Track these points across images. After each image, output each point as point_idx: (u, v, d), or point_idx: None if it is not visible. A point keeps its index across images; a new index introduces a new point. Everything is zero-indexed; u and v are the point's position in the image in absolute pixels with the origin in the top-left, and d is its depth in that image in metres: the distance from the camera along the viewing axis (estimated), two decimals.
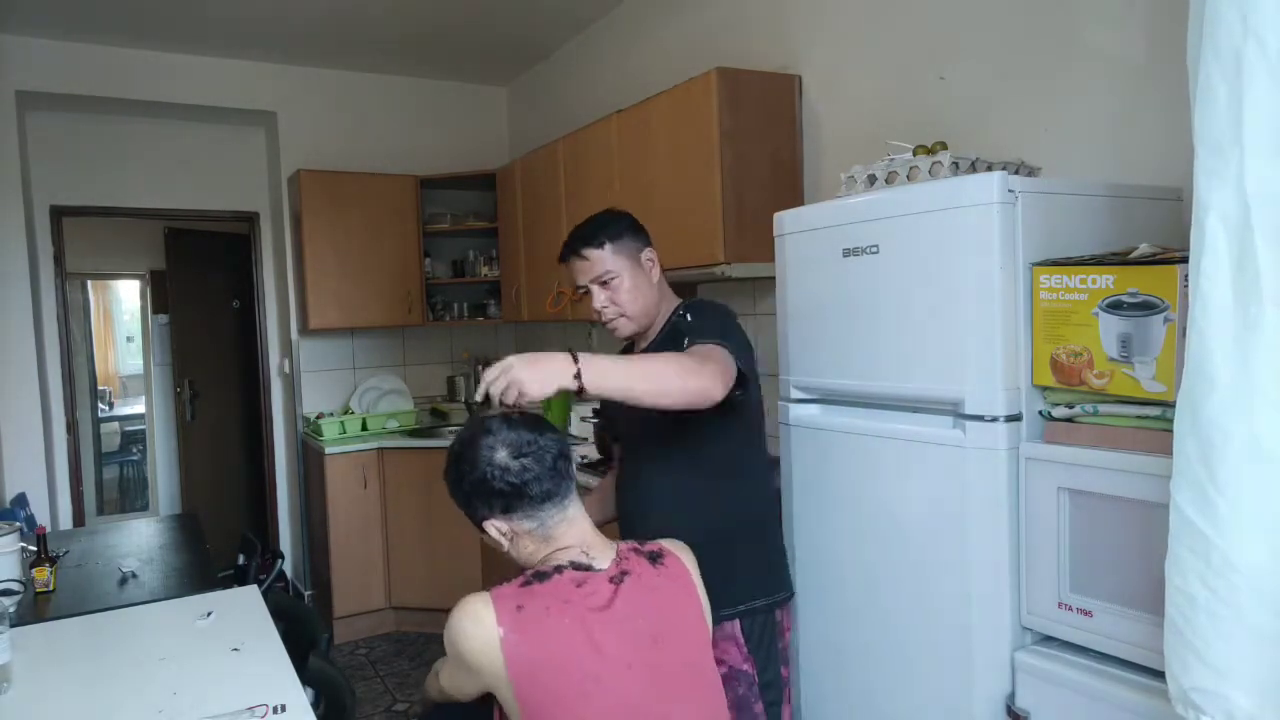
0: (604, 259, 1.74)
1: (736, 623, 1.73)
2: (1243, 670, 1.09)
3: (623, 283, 1.75)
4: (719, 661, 1.53)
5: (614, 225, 1.78)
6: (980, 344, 1.57)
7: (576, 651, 1.25)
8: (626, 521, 1.89)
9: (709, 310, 1.76)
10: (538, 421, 1.42)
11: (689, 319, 1.73)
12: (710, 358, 1.51)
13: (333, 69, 4.57)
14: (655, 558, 1.41)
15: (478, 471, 1.35)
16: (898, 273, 1.71)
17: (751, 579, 1.77)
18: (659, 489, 1.80)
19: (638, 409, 1.47)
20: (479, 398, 1.36)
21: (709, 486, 1.77)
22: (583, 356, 1.36)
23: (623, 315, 1.77)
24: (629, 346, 1.93)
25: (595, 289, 1.76)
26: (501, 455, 1.34)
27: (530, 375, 1.32)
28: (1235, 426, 1.07)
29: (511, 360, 1.34)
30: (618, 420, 1.99)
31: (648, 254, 1.80)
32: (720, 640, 1.69)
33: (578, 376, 1.33)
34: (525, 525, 1.37)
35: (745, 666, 1.73)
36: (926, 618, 1.69)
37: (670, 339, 1.75)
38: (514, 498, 1.34)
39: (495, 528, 1.38)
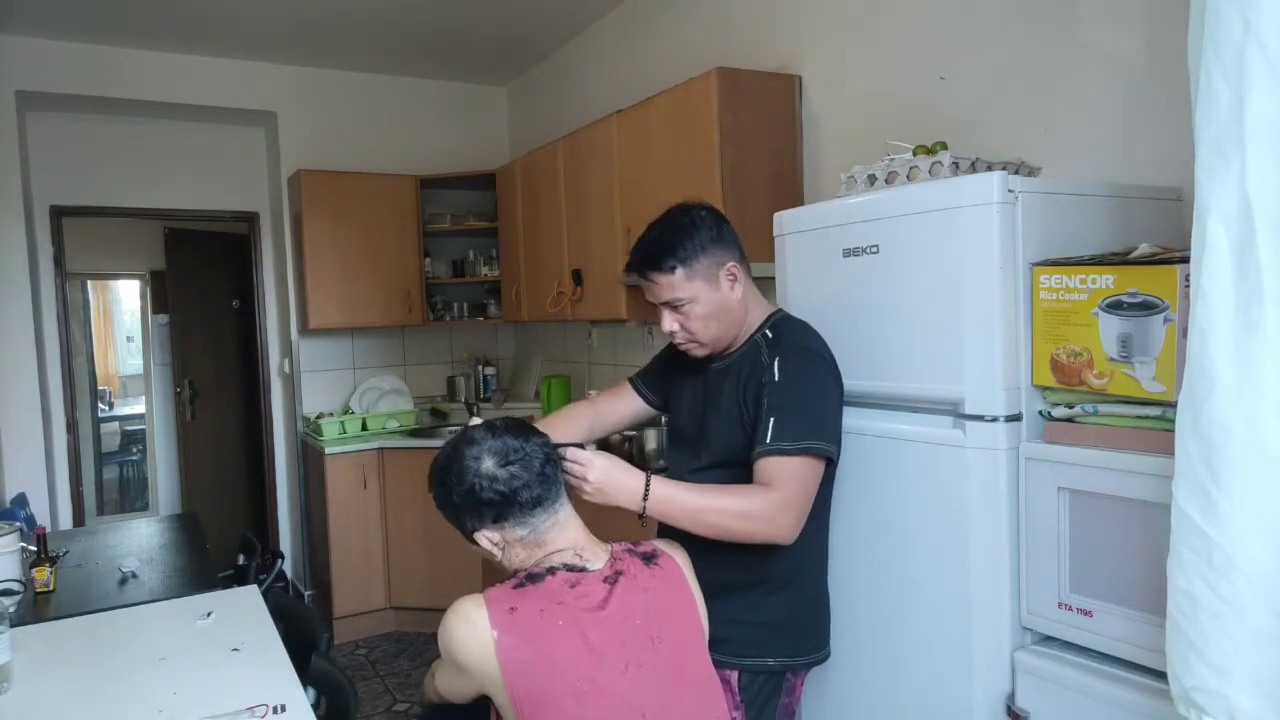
0: (674, 285, 1.54)
1: (735, 673, 1.57)
2: (1245, 670, 1.09)
3: (696, 309, 1.55)
4: None
5: (690, 242, 1.54)
6: (980, 344, 1.57)
7: (571, 653, 1.25)
8: None
9: (804, 372, 1.53)
10: (523, 427, 1.42)
11: (777, 378, 1.51)
12: (789, 505, 1.44)
13: (333, 69, 4.57)
14: (649, 558, 1.41)
15: (465, 483, 1.33)
16: (898, 273, 1.71)
17: (770, 632, 1.59)
18: None
19: (706, 426, 1.60)
20: (569, 455, 1.43)
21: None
22: (654, 487, 1.42)
23: (694, 341, 1.60)
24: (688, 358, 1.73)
25: (665, 311, 1.58)
26: (488, 464, 1.33)
27: (600, 492, 1.40)
28: (1237, 426, 1.07)
29: (597, 464, 1.40)
30: (678, 421, 1.80)
31: (730, 268, 1.58)
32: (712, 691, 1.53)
33: (644, 499, 1.42)
34: (517, 533, 1.36)
35: (734, 715, 1.56)
36: (926, 618, 1.69)
37: (749, 373, 1.58)
38: (504, 506, 1.33)
39: (487, 538, 1.37)
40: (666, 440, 1.70)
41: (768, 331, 1.63)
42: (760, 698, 1.60)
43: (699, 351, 1.64)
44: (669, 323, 1.59)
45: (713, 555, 1.51)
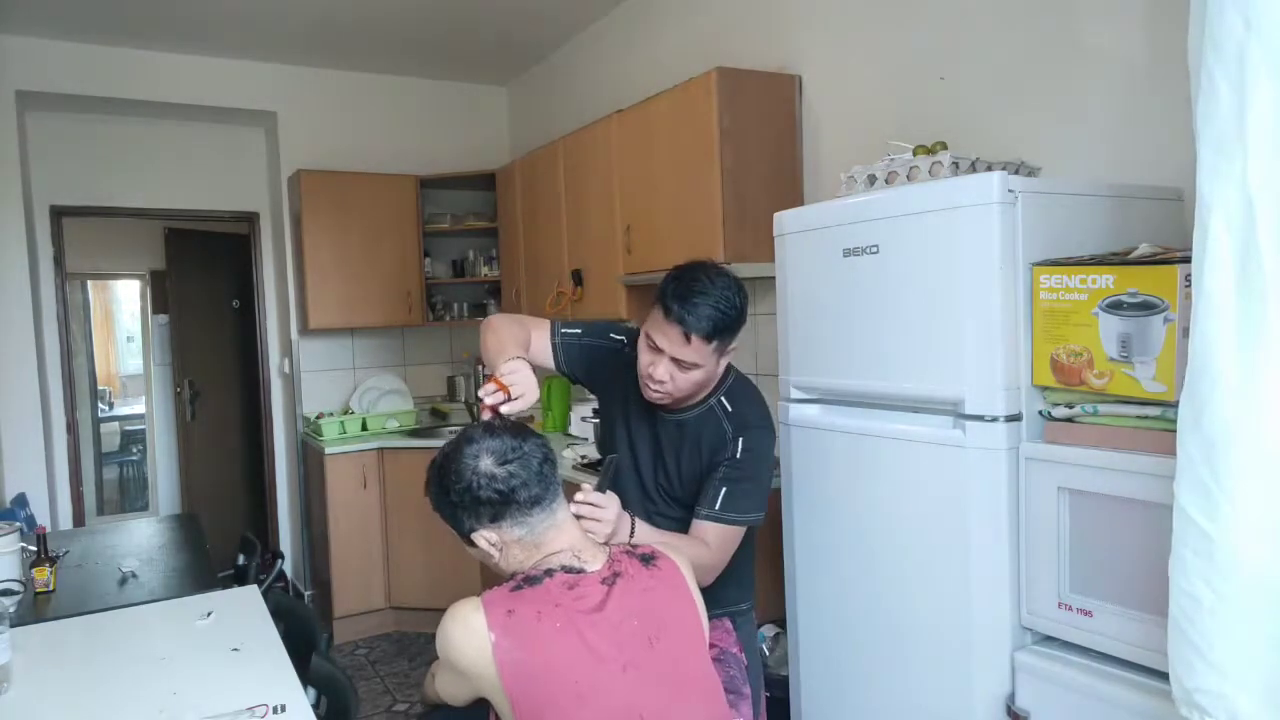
0: (703, 354, 1.58)
1: (727, 619, 1.78)
2: (1247, 671, 1.09)
3: (697, 374, 1.61)
4: (710, 645, 1.54)
5: (735, 319, 1.60)
6: (980, 344, 1.57)
7: (570, 655, 1.25)
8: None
9: (760, 457, 1.67)
10: (520, 428, 1.42)
11: (738, 457, 1.65)
12: (717, 566, 1.66)
13: (333, 69, 4.57)
14: (648, 560, 1.40)
15: (463, 481, 1.33)
16: (898, 273, 1.71)
17: (734, 588, 1.79)
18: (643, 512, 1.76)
19: (670, 472, 1.73)
20: (599, 488, 1.52)
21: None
22: (639, 527, 1.58)
23: (669, 395, 1.65)
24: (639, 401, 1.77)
25: (665, 361, 1.60)
26: (487, 463, 1.33)
27: (604, 532, 1.48)
28: (1239, 426, 1.07)
29: (612, 514, 1.49)
30: (631, 454, 1.82)
31: (735, 348, 1.67)
32: (713, 630, 1.70)
33: (630, 538, 1.55)
34: (515, 533, 1.35)
35: (735, 650, 1.76)
36: (926, 618, 1.69)
37: (708, 439, 1.69)
38: (502, 505, 1.33)
39: (485, 538, 1.37)
40: (613, 465, 1.71)
41: (725, 401, 1.72)
42: (747, 635, 1.82)
43: (663, 401, 1.68)
44: (663, 372, 1.60)
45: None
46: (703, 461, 1.70)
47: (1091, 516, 1.48)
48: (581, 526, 1.45)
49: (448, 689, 1.36)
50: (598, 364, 1.83)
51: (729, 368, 1.75)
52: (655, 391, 1.65)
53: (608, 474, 1.58)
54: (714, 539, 1.64)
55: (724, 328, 1.58)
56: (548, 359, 1.81)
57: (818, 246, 1.90)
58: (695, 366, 1.59)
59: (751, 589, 1.86)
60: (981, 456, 1.58)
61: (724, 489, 1.65)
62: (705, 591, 1.49)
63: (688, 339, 1.56)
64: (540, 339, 1.81)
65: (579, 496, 1.48)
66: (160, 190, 4.50)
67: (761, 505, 1.69)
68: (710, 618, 1.49)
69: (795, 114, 2.82)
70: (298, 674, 1.66)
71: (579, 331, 1.84)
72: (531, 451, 1.36)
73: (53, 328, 4.29)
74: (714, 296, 1.57)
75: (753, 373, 2.88)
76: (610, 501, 1.50)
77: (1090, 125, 1.98)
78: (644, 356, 1.64)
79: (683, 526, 1.70)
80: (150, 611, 2.09)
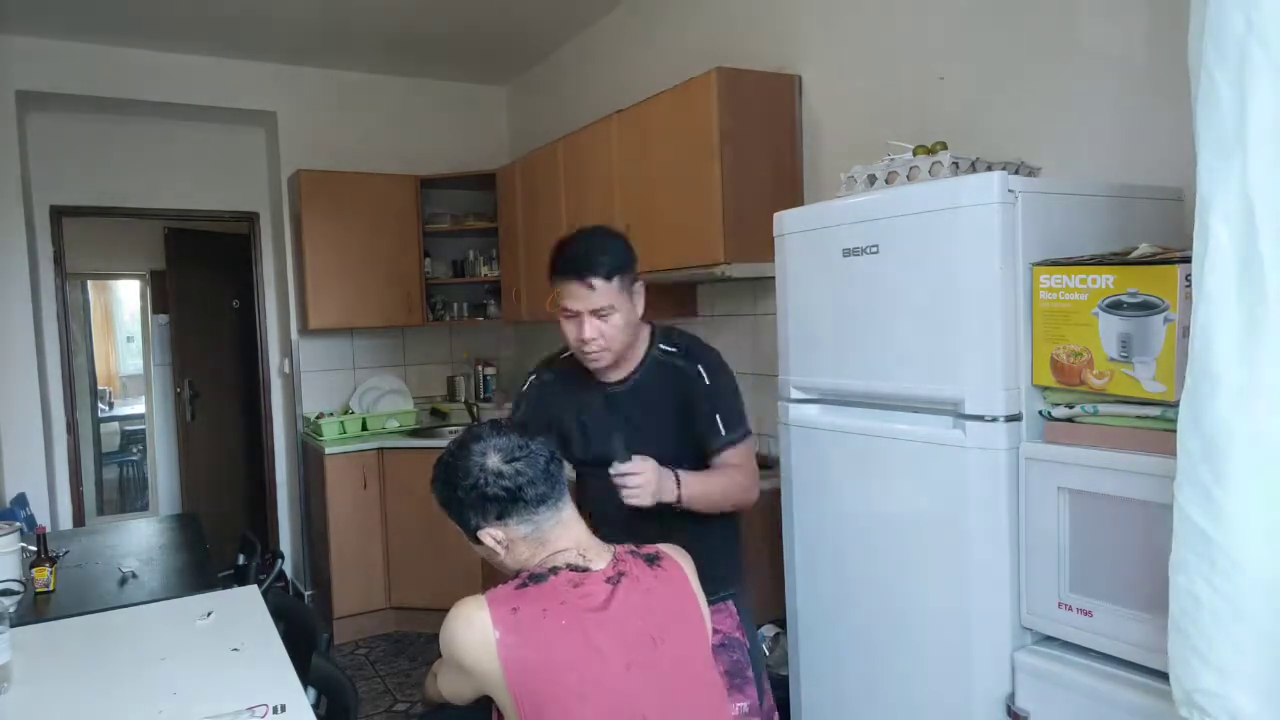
0: (609, 292, 1.66)
1: (729, 602, 1.80)
2: (1247, 672, 1.09)
3: (615, 318, 1.68)
4: (714, 631, 1.56)
5: (622, 255, 1.70)
6: (980, 344, 1.57)
7: (574, 653, 1.25)
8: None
9: (727, 378, 1.77)
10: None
11: (708, 383, 1.73)
12: (757, 476, 1.78)
13: (333, 69, 4.56)
14: (652, 560, 1.41)
15: (470, 478, 1.34)
16: (898, 273, 1.71)
17: (737, 561, 1.86)
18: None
19: (628, 421, 1.75)
20: (616, 471, 1.56)
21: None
22: (683, 478, 1.63)
23: (607, 350, 1.71)
24: (584, 373, 1.80)
25: (588, 319, 1.68)
26: (494, 461, 1.34)
27: (649, 492, 1.56)
28: (1239, 427, 1.07)
29: (650, 473, 1.56)
30: (585, 448, 1.82)
31: (639, 285, 1.74)
32: (715, 615, 1.69)
33: (679, 487, 1.62)
34: (521, 530, 1.36)
35: (738, 634, 1.78)
36: (926, 617, 1.69)
37: (670, 384, 1.75)
38: (509, 503, 1.34)
39: (491, 536, 1.37)
40: (575, 471, 1.78)
41: (664, 347, 1.79)
42: (744, 611, 1.84)
43: (605, 360, 1.73)
44: (590, 329, 1.68)
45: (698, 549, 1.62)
46: (674, 409, 1.75)
47: (1091, 516, 1.48)
48: (626, 499, 1.53)
49: (451, 687, 1.36)
50: (539, 413, 1.86)
51: (651, 326, 1.83)
52: (594, 354, 1.71)
53: (618, 444, 1.61)
54: (741, 458, 1.74)
55: (615, 263, 1.67)
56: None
57: (818, 246, 1.90)
58: (611, 310, 1.67)
59: (741, 566, 1.89)
60: (981, 456, 1.58)
61: (718, 415, 1.72)
62: (706, 572, 1.48)
63: (590, 285, 1.65)
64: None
65: (613, 472, 1.55)
66: (160, 190, 4.50)
67: (747, 422, 1.79)
68: (712, 602, 1.51)
69: (795, 114, 2.82)
70: (298, 674, 1.66)
71: (518, 420, 1.81)
72: (539, 450, 1.37)
73: (53, 328, 4.29)
74: (593, 243, 1.70)
75: (753, 373, 2.88)
76: (643, 463, 1.57)
77: (1090, 125, 1.98)
78: (568, 330, 1.72)
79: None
80: (150, 611, 2.09)
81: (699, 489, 1.66)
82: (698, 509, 1.68)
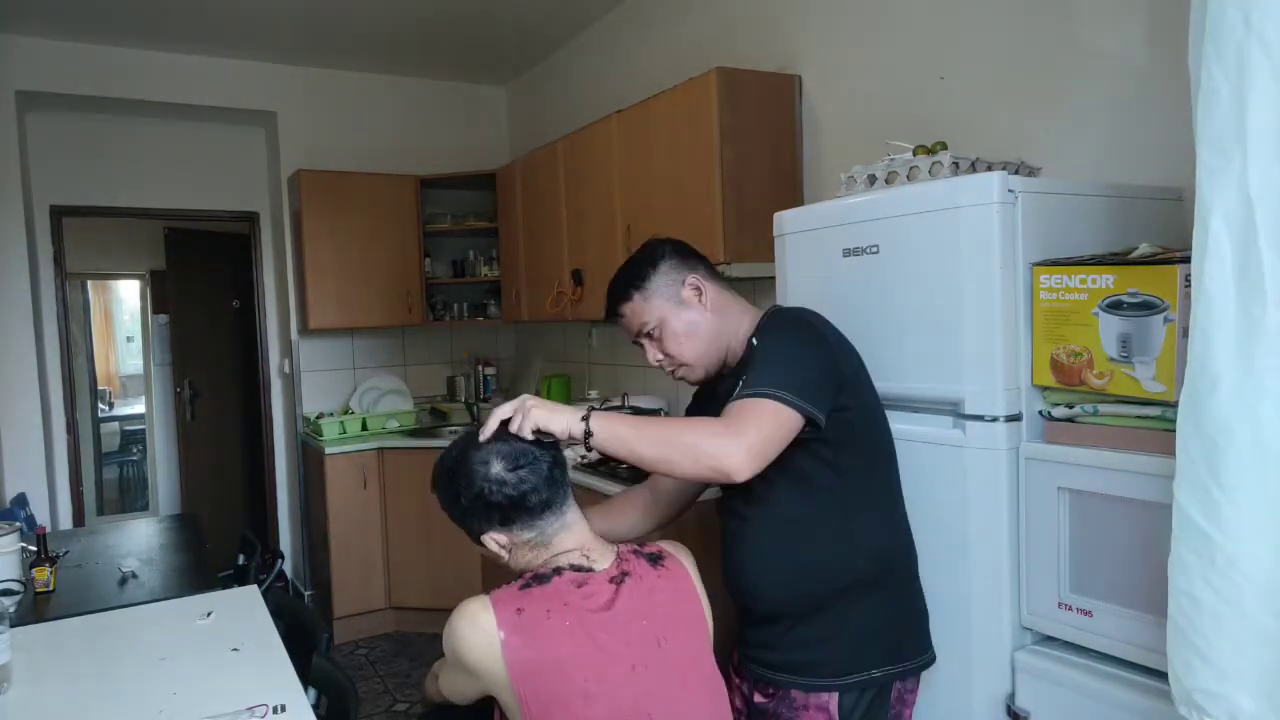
0: (638, 311, 1.57)
1: (834, 696, 1.46)
2: (1246, 672, 1.09)
3: (667, 329, 1.56)
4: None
5: (640, 267, 1.59)
6: (980, 344, 1.57)
7: (578, 653, 1.25)
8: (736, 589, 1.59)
9: (777, 338, 1.49)
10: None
11: (755, 346, 1.50)
12: (745, 427, 1.33)
13: (333, 69, 4.57)
14: (655, 559, 1.41)
15: (474, 487, 1.33)
16: (898, 273, 1.71)
17: (866, 641, 1.49)
18: (751, 537, 1.54)
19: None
20: (485, 435, 1.35)
21: (809, 529, 1.49)
22: (595, 412, 1.35)
23: (681, 364, 1.59)
24: (707, 388, 1.67)
25: (646, 344, 1.60)
26: (497, 468, 1.33)
27: (542, 411, 1.34)
28: (1239, 427, 1.07)
29: (526, 398, 1.36)
30: None
31: (690, 282, 1.57)
32: (810, 709, 1.48)
33: (585, 419, 1.32)
34: (524, 535, 1.36)
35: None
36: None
37: (744, 371, 1.51)
38: (512, 510, 1.33)
39: (494, 540, 1.37)
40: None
41: (753, 338, 1.54)
42: (866, 718, 1.48)
43: (693, 375, 1.61)
44: (652, 354, 1.60)
45: (795, 573, 1.48)
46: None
47: (1091, 516, 1.48)
48: (511, 429, 1.34)
49: (454, 687, 1.36)
50: (697, 410, 1.72)
51: (773, 307, 1.63)
52: (675, 374, 1.63)
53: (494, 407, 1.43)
54: (736, 409, 1.37)
55: (629, 280, 1.59)
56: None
57: (818, 246, 1.90)
58: (660, 325, 1.56)
59: (895, 645, 1.52)
60: (981, 456, 1.58)
61: (749, 374, 1.43)
62: (812, 652, 1.42)
63: (621, 315, 1.61)
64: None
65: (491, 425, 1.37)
66: (160, 190, 4.50)
67: (777, 381, 1.38)
68: (815, 688, 1.41)
69: (795, 114, 2.82)
70: (298, 674, 1.66)
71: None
72: (542, 456, 1.36)
73: (53, 328, 4.29)
74: (614, 277, 1.63)
75: None
76: (502, 404, 1.38)
77: (1090, 125, 1.98)
78: (646, 356, 1.64)
79: (800, 529, 1.50)
80: (150, 611, 2.09)
81: (620, 427, 1.35)
82: (622, 457, 1.35)
